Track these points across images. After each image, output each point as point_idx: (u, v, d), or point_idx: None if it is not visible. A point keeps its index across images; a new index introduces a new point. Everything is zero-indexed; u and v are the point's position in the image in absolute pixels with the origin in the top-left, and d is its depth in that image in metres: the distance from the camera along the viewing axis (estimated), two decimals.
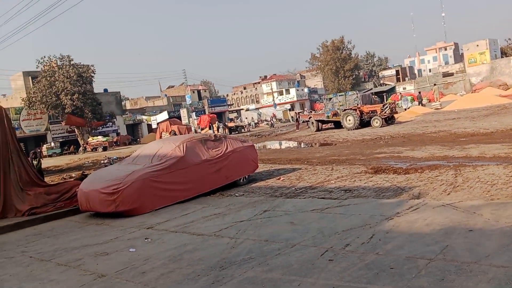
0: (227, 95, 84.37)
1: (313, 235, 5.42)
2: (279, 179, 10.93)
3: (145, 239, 6.37)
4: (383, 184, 8.47)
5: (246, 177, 10.91)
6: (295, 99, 72.16)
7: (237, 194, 9.42)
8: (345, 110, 28.26)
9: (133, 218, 8.03)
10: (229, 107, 73.42)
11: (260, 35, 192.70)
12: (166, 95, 74.09)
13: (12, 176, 9.66)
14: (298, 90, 74.28)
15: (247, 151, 11.05)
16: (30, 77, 47.38)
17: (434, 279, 3.64)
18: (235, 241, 5.63)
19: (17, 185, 9.65)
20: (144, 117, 59.76)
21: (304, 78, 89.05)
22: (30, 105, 43.37)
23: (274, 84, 75.60)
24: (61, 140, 47.21)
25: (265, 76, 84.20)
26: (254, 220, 6.71)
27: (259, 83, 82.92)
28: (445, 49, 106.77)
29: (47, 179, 13.73)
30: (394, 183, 8.34)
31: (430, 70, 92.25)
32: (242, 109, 74.59)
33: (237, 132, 44.96)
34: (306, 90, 76.64)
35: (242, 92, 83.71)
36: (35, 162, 13.57)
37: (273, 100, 71.84)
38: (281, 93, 74.51)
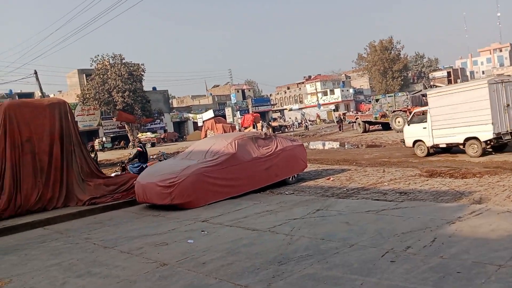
0: (270, 94, 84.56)
1: (371, 236, 5.37)
2: (328, 179, 10.86)
3: (202, 231, 6.56)
4: (440, 188, 8.21)
5: (295, 176, 10.93)
6: (339, 99, 71.16)
7: (287, 193, 9.46)
8: (394, 111, 27.56)
9: (188, 211, 8.28)
10: (273, 106, 73.54)
11: (305, 35, 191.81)
12: (211, 94, 75.39)
13: (74, 167, 10.24)
14: (343, 90, 73.19)
15: (297, 150, 11.06)
16: (84, 75, 49.79)
17: (506, 286, 3.51)
18: (291, 238, 5.68)
19: (79, 176, 10.21)
20: (190, 115, 61.12)
21: (350, 78, 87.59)
22: (84, 101, 45.60)
23: (318, 84, 74.92)
24: (112, 135, 49.28)
25: (309, 76, 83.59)
26: (308, 218, 6.72)
27: (303, 83, 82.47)
28: (500, 51, 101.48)
29: None
30: (452, 187, 8.06)
31: (483, 72, 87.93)
32: (286, 109, 74.50)
33: (280, 131, 44.99)
34: (351, 90, 75.36)
35: (285, 92, 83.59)
36: (92, 155, 14.30)
37: (317, 100, 71.21)
38: (325, 94, 73.70)
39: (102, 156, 30.94)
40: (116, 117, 47.18)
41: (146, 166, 13.40)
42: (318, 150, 23.70)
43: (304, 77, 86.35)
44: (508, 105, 12.19)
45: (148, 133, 47.37)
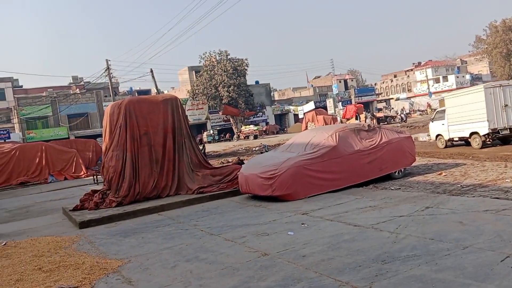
0: (375, 84, 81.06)
1: (488, 238, 4.83)
2: (440, 174, 10.06)
3: (302, 224, 6.56)
4: None
5: (402, 170, 10.33)
6: (454, 86, 65.20)
7: (392, 188, 8.99)
8: None
9: (288, 203, 8.36)
10: (377, 96, 70.47)
11: (414, 18, 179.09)
12: (312, 86, 74.90)
13: (185, 158, 11.00)
14: (458, 77, 67.05)
15: (404, 143, 10.42)
16: (194, 72, 53.18)
17: None
18: (396, 236, 5.38)
19: (189, 166, 10.95)
20: (291, 107, 61.54)
21: (466, 63, 79.81)
22: (194, 97, 48.76)
23: (429, 71, 69.68)
24: (218, 128, 52.00)
25: (419, 63, 78.16)
26: (415, 216, 6.30)
27: (411, 70, 77.45)
28: None
29: None
30: None
31: None
32: (392, 98, 70.75)
33: (386, 122, 42.88)
34: (467, 76, 68.66)
35: (392, 81, 79.38)
36: (200, 147, 15.21)
37: (428, 88, 66.26)
38: (437, 81, 68.28)
39: (209, 148, 32.81)
40: (222, 111, 49.56)
41: None
42: (428, 142, 22.03)
43: (413, 63, 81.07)
44: (506, 105, 14.51)
45: (251, 126, 48.91)
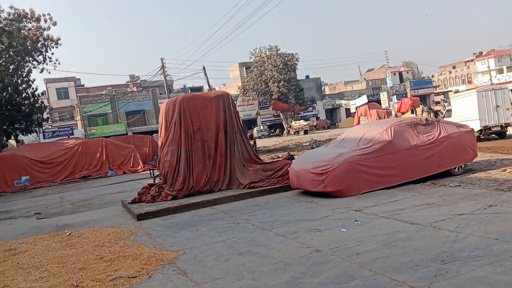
0: (432, 76, 77.45)
1: None
2: (504, 170, 9.44)
3: (355, 221, 6.42)
4: None
5: (462, 166, 9.80)
6: None
7: (451, 185, 8.55)
8: None
9: (340, 199, 8.22)
10: (435, 89, 67.31)
11: (473, 5, 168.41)
12: (365, 79, 72.98)
13: (236, 153, 11.14)
14: None
15: (464, 137, 9.87)
16: (244, 68, 53.68)
17: None
18: (456, 235, 5.12)
19: (240, 161, 11.08)
20: (342, 101, 60.41)
21: None
22: (244, 92, 49.24)
23: (492, 61, 65.37)
24: (268, 123, 52.18)
25: (480, 53, 73.60)
26: (477, 214, 5.96)
27: (472, 60, 73.11)
28: None
29: None
30: None
31: None
32: (450, 90, 67.23)
33: (444, 116, 40.86)
34: None
35: (450, 72, 75.43)
36: (251, 142, 15.33)
37: (490, 79, 62.27)
38: (500, 71, 63.95)
39: (259, 143, 32.98)
40: (272, 106, 49.65)
41: None
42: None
43: (474, 53, 76.53)
44: (497, 106, 17.12)
45: (301, 121, 48.59)
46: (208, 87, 33.66)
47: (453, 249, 4.65)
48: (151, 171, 20.93)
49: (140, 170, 25.44)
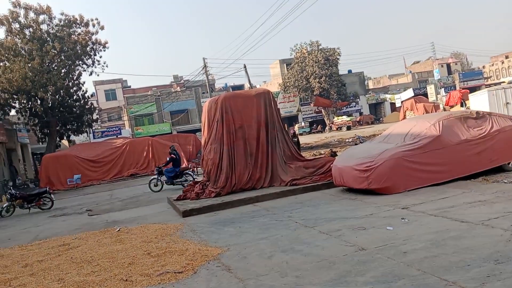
0: (483, 66, 73.54)
1: None
2: None
3: (402, 219, 6.23)
4: None
5: None
6: None
7: (505, 181, 8.09)
8: None
9: (386, 196, 8.00)
10: (486, 80, 63.82)
11: None
12: (410, 72, 70.54)
13: (277, 151, 11.14)
14: None
15: None
16: (285, 64, 53.48)
17: None
18: (511, 234, 4.84)
19: (281, 158, 11.06)
20: (387, 95, 58.74)
21: None
22: (285, 89, 49.05)
23: None
24: (310, 120, 51.69)
25: None
26: None
27: None
28: None
29: None
30: None
31: None
32: (504, 81, 63.62)
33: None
34: None
35: (503, 62, 71.25)
36: (295, 140, 15.23)
37: None
38: None
39: (301, 140, 32.71)
40: (314, 102, 49.14)
41: (179, 170, 14.99)
42: None
43: None
44: (507, 103, 19.40)
45: (344, 117, 47.75)
46: (249, 85, 33.84)
47: (508, 248, 4.41)
48: (195, 168, 21.40)
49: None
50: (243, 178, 10.81)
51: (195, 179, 14.61)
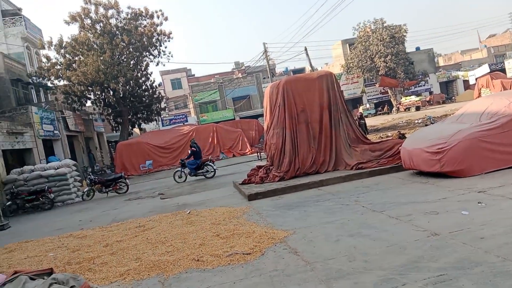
0: None
1: None
2: None
3: (478, 203, 5.86)
4: None
5: None
6: None
7: None
8: None
9: (460, 180, 7.56)
10: None
11: None
12: (485, 46, 65.27)
13: (341, 134, 10.91)
14: None
15: None
16: (347, 45, 51.86)
17: None
18: None
19: (346, 142, 10.83)
20: (459, 73, 54.94)
21: None
22: (348, 71, 47.63)
23: None
24: (375, 101, 49.92)
25: None
26: None
27: None
28: None
29: None
30: None
31: None
32: None
33: None
34: None
35: None
36: (362, 122, 14.83)
37: None
38: None
39: (367, 123, 31.81)
40: (379, 83, 47.28)
41: (201, 162, 15.94)
42: None
43: None
44: None
45: (412, 97, 45.53)
46: (310, 68, 33.34)
47: None
48: (258, 153, 21.67)
49: (248, 153, 26.48)
50: (307, 162, 10.76)
51: (216, 170, 16.03)
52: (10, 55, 27.65)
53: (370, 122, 33.48)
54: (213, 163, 16.29)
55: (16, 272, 4.44)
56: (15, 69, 26.31)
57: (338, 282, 3.99)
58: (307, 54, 31.70)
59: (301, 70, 59.31)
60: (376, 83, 48.67)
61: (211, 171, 15.96)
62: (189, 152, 16.34)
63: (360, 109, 44.87)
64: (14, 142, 18.28)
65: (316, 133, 10.90)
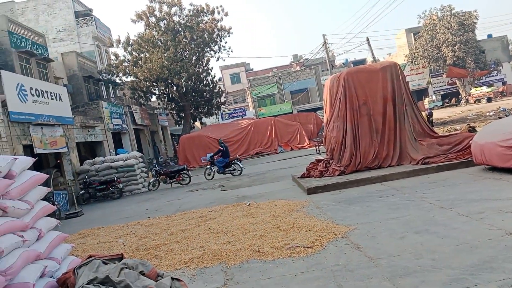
0: None
1: None
2: None
3: None
4: None
5: None
6: None
7: None
8: None
9: None
10: None
11: None
12: None
13: (406, 127, 10.48)
14: None
15: None
16: (412, 34, 49.51)
17: None
18: None
19: (411, 135, 10.38)
20: None
21: None
22: (413, 61, 45.49)
23: None
24: (442, 93, 47.32)
25: None
26: None
27: None
28: None
29: None
30: None
31: None
32: None
33: None
34: None
35: None
36: (431, 119, 14.12)
37: None
38: None
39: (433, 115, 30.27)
40: (446, 73, 44.71)
41: (229, 160, 16.58)
42: None
43: None
44: None
45: (483, 88, 42.58)
46: (371, 59, 32.27)
47: None
48: (317, 147, 21.44)
49: (306, 147, 26.28)
50: (369, 156, 10.47)
51: (243, 168, 16.63)
52: (83, 54, 29.62)
53: (436, 114, 31.82)
54: (240, 162, 16.91)
55: (90, 256, 4.79)
56: (87, 67, 28.15)
57: (404, 279, 3.86)
58: (369, 45, 30.69)
59: (362, 62, 57.65)
60: (443, 74, 46.11)
61: (238, 170, 16.62)
62: (217, 150, 17.22)
63: (426, 101, 42.75)
64: (87, 135, 19.59)
65: (379, 126, 10.56)
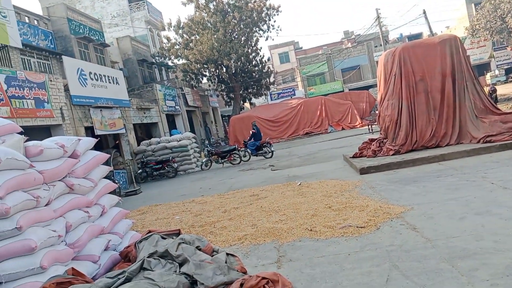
0: None
1: None
2: None
3: None
4: None
5: None
6: None
7: None
8: None
9: None
10: None
11: None
12: None
13: (467, 103, 9.91)
14: None
15: None
16: (473, 5, 46.27)
17: None
18: None
19: (472, 112, 9.82)
20: None
21: None
22: (474, 33, 42.59)
23: None
24: (506, 67, 44.13)
25: None
26: None
27: None
28: None
29: None
30: None
31: None
32: None
33: None
34: None
35: None
36: (493, 96, 13.36)
37: None
38: None
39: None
40: (511, 45, 41.56)
41: (260, 144, 17.25)
42: None
43: None
44: None
45: None
46: (429, 33, 30.59)
47: None
48: (369, 126, 20.89)
49: (358, 126, 25.70)
50: (425, 135, 10.05)
51: (273, 151, 17.14)
52: (136, 38, 30.55)
53: (500, 90, 29.79)
54: (270, 145, 17.38)
55: (150, 231, 5.05)
56: (140, 51, 29.04)
57: (464, 261, 3.72)
58: (426, 18, 29.08)
59: (418, 36, 54.83)
60: (507, 47, 42.87)
61: (269, 152, 17.09)
62: (250, 133, 17.75)
63: (488, 76, 40.11)
64: (143, 116, 20.37)
65: (437, 103, 10.06)
